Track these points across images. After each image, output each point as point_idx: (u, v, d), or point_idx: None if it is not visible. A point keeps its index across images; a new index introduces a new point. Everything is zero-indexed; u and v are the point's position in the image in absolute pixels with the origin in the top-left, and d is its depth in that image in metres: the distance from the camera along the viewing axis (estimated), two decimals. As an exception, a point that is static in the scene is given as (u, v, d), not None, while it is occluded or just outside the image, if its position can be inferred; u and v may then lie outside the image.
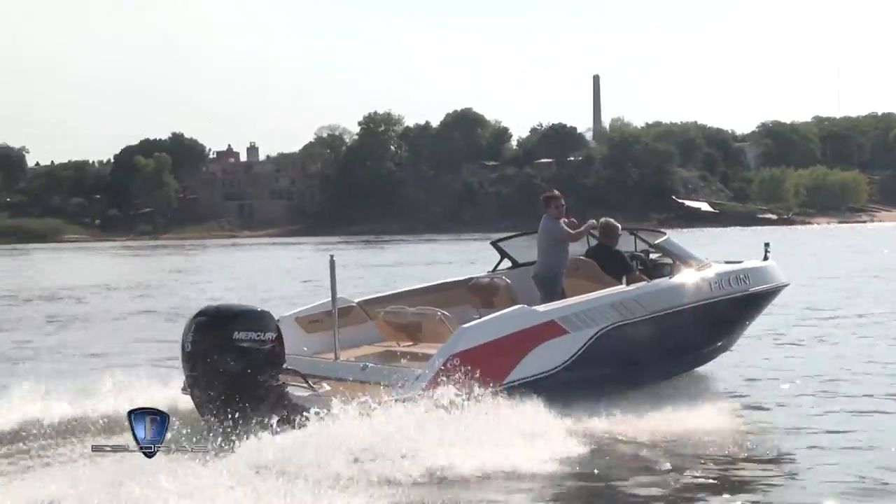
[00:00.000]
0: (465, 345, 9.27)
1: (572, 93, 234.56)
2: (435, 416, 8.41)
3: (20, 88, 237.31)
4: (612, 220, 11.97)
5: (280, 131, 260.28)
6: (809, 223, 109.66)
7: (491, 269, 12.93)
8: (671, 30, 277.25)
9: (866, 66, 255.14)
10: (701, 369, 12.64)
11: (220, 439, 7.90)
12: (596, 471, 8.28)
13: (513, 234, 13.41)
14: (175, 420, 7.90)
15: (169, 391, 9.67)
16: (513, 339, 9.63)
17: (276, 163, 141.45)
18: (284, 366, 8.80)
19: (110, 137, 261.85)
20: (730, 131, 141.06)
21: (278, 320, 9.90)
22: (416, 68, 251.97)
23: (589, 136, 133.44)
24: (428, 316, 10.67)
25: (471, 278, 12.45)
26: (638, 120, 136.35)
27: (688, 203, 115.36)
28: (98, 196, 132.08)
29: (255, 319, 8.60)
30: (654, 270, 11.76)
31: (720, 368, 13.00)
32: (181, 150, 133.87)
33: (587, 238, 11.96)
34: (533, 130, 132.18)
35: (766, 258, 12.83)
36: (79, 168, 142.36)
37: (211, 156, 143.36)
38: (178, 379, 9.40)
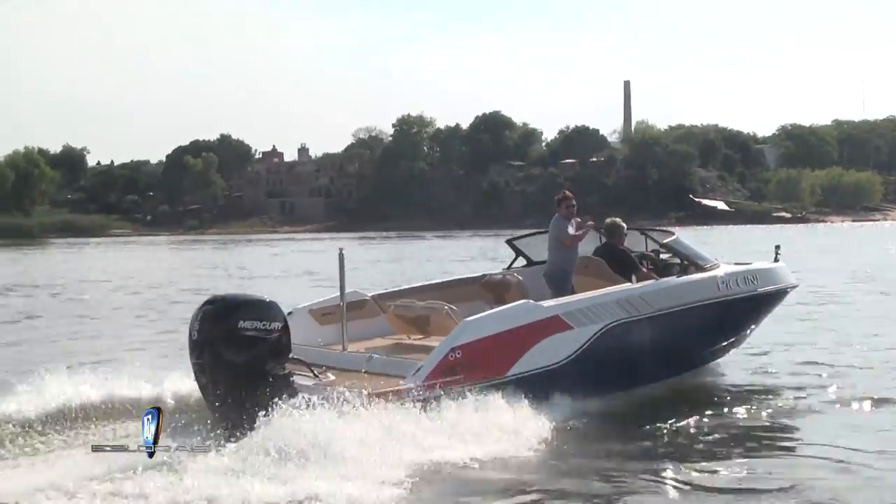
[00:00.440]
0: (468, 338, 9.15)
1: (601, 97, 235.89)
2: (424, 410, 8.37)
3: (84, 92, 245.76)
4: (617, 219, 11.89)
5: (326, 133, 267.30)
6: (823, 221, 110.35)
7: (506, 266, 12.96)
8: (699, 36, 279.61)
9: (891, 72, 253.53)
10: (706, 368, 12.39)
11: (226, 426, 8.02)
12: (579, 462, 8.25)
13: (528, 232, 13.27)
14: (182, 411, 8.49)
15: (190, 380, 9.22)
16: (516, 333, 9.50)
17: (317, 163, 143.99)
18: (291, 355, 8.69)
19: (166, 139, 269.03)
20: (752, 134, 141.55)
21: (290, 312, 10.02)
22: (448, 73, 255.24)
23: (614, 138, 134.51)
24: (435, 310, 10.53)
25: (484, 275, 12.36)
26: (663, 123, 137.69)
27: (704, 202, 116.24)
28: (151, 193, 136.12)
29: (261, 309, 8.51)
30: (664, 270, 11.65)
31: (724, 365, 12.70)
32: (228, 151, 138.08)
33: (599, 237, 11.89)
34: (560, 133, 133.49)
35: (776, 259, 12.58)
36: (134, 168, 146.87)
37: (257, 156, 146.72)
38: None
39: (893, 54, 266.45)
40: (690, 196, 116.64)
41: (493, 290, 11.80)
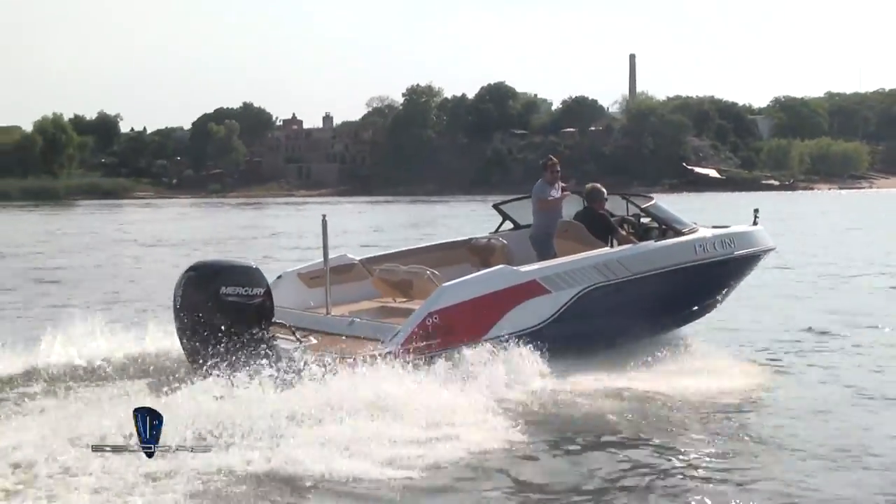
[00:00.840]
0: (445, 303, 9.11)
1: (604, 68, 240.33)
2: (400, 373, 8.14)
3: (119, 60, 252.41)
4: (597, 185, 11.84)
5: (348, 103, 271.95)
6: (811, 188, 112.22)
7: (494, 230, 12.83)
8: (701, 10, 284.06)
9: (888, 46, 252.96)
10: (683, 329, 12.24)
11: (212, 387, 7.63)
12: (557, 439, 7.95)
13: (514, 197, 13.14)
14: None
15: None
16: (493, 297, 9.45)
17: (334, 130, 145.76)
18: (274, 319, 8.63)
19: (197, 107, 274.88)
20: (748, 105, 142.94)
21: (280, 276, 10.35)
22: (456, 44, 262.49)
23: (615, 108, 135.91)
24: (418, 274, 10.46)
25: (470, 239, 12.36)
26: (663, 94, 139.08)
27: (697, 170, 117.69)
28: (178, 158, 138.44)
29: (243, 275, 8.45)
30: (644, 234, 11.57)
31: (700, 328, 12.57)
32: (250, 118, 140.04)
33: (582, 202, 11.78)
34: (563, 103, 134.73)
35: (755, 223, 12.42)
36: (164, 134, 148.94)
37: (278, 123, 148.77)
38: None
39: (891, 28, 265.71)
40: (684, 164, 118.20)
41: (478, 253, 11.91)
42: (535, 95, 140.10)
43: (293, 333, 8.73)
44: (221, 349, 8.05)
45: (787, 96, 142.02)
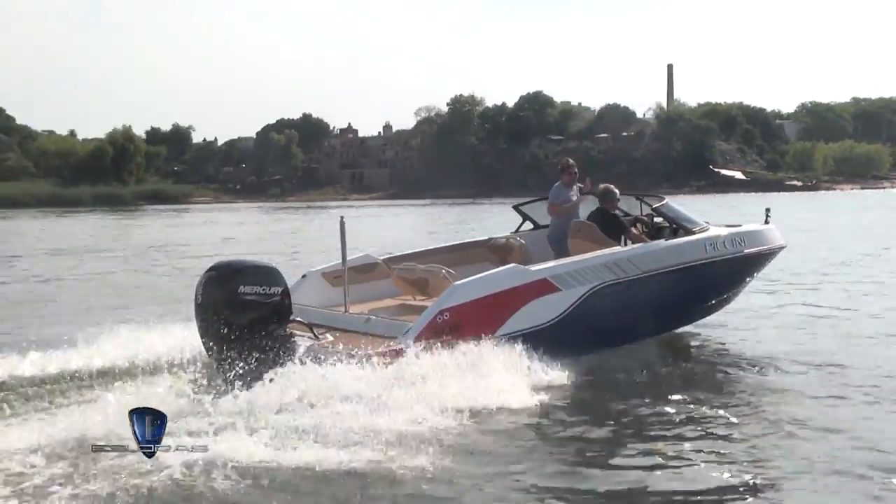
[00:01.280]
0: (456, 300, 9.06)
1: (641, 76, 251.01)
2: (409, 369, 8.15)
3: (194, 75, 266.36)
4: (610, 185, 11.69)
5: (404, 111, 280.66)
6: (833, 189, 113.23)
7: (514, 230, 12.75)
8: (734, 20, 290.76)
9: None
10: (692, 326, 12.19)
11: (231, 382, 7.81)
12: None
13: (534, 198, 12.98)
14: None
15: None
16: (504, 295, 9.37)
17: (385, 138, 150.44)
18: (292, 317, 8.68)
19: (260, 118, 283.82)
20: (776, 111, 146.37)
21: (305, 275, 10.49)
22: (497, 55, 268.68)
23: (649, 115, 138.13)
24: (433, 273, 10.40)
25: (490, 238, 12.28)
26: (696, 102, 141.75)
27: (723, 172, 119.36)
28: (243, 165, 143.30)
29: (262, 275, 8.51)
30: (657, 233, 11.46)
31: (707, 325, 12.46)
32: (309, 127, 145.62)
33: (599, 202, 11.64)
34: (598, 111, 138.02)
35: (766, 222, 12.28)
36: (231, 143, 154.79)
37: (335, 132, 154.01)
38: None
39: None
40: (710, 167, 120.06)
41: (497, 252, 11.87)
42: (580, 103, 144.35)
43: (311, 330, 8.87)
44: (240, 346, 8.20)
45: (813, 102, 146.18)
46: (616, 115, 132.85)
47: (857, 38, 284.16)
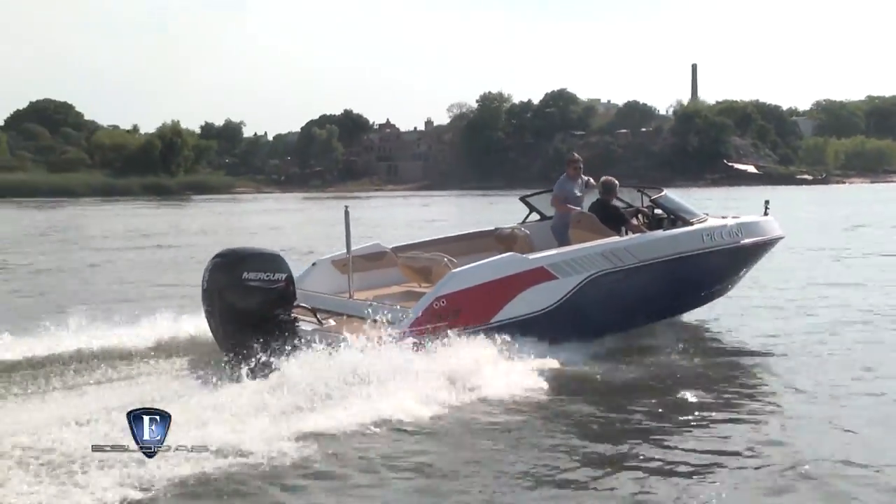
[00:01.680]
0: (453, 287, 9.09)
1: (664, 75, 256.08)
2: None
3: (247, 74, 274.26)
4: (610, 177, 11.70)
5: (440, 107, 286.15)
6: (843, 182, 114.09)
7: (521, 220, 12.68)
8: (754, 21, 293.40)
9: None
10: (689, 314, 12.19)
11: (237, 367, 7.89)
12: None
13: (540, 190, 13.09)
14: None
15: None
16: (501, 282, 9.38)
17: (419, 133, 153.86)
18: (296, 303, 8.71)
19: (306, 113, 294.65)
20: (792, 108, 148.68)
21: (315, 263, 10.69)
22: (526, 55, 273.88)
23: (670, 112, 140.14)
24: (436, 261, 10.45)
25: (496, 228, 12.32)
26: (716, 99, 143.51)
27: (737, 166, 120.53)
28: (288, 158, 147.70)
29: (266, 262, 8.55)
30: (657, 224, 11.58)
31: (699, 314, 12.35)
32: (350, 123, 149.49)
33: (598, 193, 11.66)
34: (619, 108, 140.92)
35: (765, 213, 12.25)
36: (278, 138, 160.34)
37: (374, 127, 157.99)
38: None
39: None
40: (724, 161, 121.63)
41: (503, 242, 11.84)
42: (609, 101, 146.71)
43: (315, 316, 8.94)
44: (245, 331, 8.21)
45: (827, 99, 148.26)
46: (636, 112, 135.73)
47: (873, 38, 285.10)
